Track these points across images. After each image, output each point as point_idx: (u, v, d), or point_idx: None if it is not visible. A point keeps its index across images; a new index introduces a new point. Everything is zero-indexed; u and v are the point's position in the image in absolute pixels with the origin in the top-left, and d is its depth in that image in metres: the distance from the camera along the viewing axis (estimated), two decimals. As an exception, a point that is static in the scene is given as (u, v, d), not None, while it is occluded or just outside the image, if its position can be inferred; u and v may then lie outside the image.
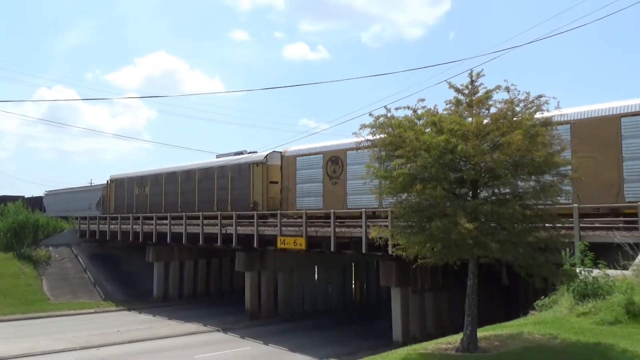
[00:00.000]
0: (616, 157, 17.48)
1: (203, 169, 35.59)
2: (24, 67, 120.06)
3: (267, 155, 31.07)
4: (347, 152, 26.40)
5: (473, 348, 9.44)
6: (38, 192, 61.96)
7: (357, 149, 24.60)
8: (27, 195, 60.42)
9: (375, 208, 23.42)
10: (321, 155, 28.03)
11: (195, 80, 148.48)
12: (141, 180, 41.44)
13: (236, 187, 32.36)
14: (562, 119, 17.34)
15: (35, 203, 52.50)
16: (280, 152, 30.45)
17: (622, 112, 17.68)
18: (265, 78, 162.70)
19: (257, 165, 31.22)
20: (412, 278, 23.22)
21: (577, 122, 18.37)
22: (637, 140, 17.19)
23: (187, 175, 36.74)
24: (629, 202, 16.76)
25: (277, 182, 30.23)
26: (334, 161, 27.25)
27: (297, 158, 29.27)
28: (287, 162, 29.61)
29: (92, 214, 44.45)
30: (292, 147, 30.48)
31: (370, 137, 10.54)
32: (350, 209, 25.09)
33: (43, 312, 32.69)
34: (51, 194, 58.62)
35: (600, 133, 17.72)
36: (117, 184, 44.34)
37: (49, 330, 27.82)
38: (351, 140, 25.02)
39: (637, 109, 17.45)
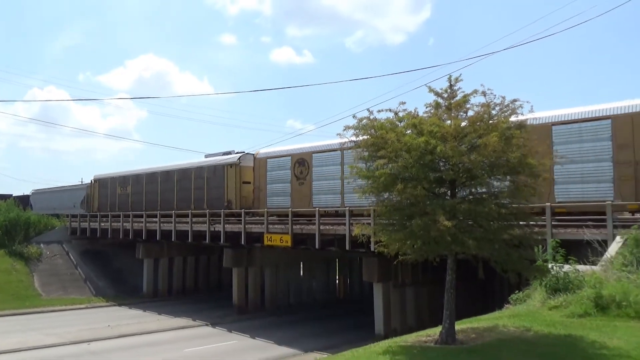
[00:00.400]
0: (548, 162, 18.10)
1: (181, 170, 36.11)
2: (16, 68, 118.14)
3: (240, 157, 31.81)
4: (313, 154, 27.48)
5: (451, 340, 9.51)
6: (29, 190, 61.14)
7: (322, 151, 27.15)
8: (17, 193, 59.88)
9: (338, 207, 25.04)
10: (289, 158, 28.78)
11: (184, 82, 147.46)
12: (123, 180, 41.86)
13: (212, 187, 32.99)
14: None
15: (23, 201, 51.82)
16: (253, 154, 31.13)
17: (553, 121, 18.82)
18: (252, 81, 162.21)
19: (230, 167, 31.99)
20: (393, 274, 23.35)
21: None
22: (566, 146, 18.18)
23: (167, 175, 37.26)
24: (558, 202, 17.99)
25: (249, 182, 30.94)
26: (301, 163, 28.05)
27: (267, 160, 30.02)
28: (259, 164, 30.39)
29: (77, 212, 44.30)
30: (263, 150, 31.23)
31: (353, 138, 10.55)
32: (315, 206, 25.59)
33: (34, 307, 32.22)
34: (38, 192, 58.05)
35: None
36: (101, 184, 44.67)
37: (40, 325, 27.42)
38: (316, 143, 28.81)
39: (565, 119, 18.66)
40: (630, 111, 17.22)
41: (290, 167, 28.46)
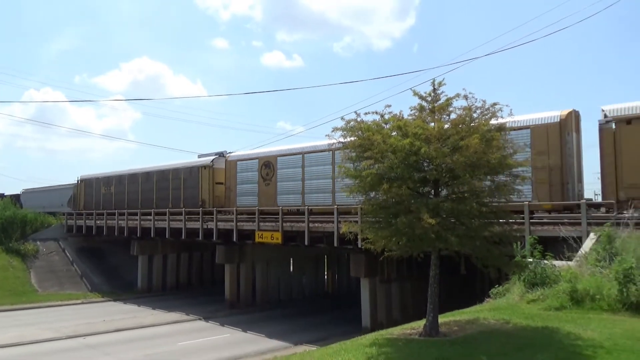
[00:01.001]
0: None
1: (160, 171, 37.10)
2: (13, 69, 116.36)
3: (213, 160, 33.00)
4: (278, 157, 28.78)
5: (435, 333, 9.58)
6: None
7: (286, 155, 28.48)
8: (13, 192, 59.31)
9: (299, 206, 26.24)
10: (257, 160, 29.98)
11: (178, 84, 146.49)
12: (107, 181, 42.64)
13: (187, 187, 34.09)
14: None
15: (13, 200, 51.39)
16: (225, 157, 32.36)
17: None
18: (244, 83, 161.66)
19: (204, 168, 33.11)
20: (379, 269, 23.42)
21: None
22: None
23: (147, 176, 38.17)
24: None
25: (222, 183, 32.14)
26: (267, 165, 29.25)
27: (237, 162, 31.16)
28: (230, 166, 31.51)
29: (65, 210, 44.46)
30: (234, 153, 32.41)
31: (342, 139, 10.56)
32: (280, 205, 26.70)
33: (31, 303, 31.83)
34: (28, 191, 57.96)
35: None
36: (86, 184, 45.31)
37: (36, 320, 27.11)
38: (281, 147, 29.98)
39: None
40: (545, 122, 18.58)
41: (258, 169, 29.61)
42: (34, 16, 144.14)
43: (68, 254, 39.60)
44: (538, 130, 18.51)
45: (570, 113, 18.64)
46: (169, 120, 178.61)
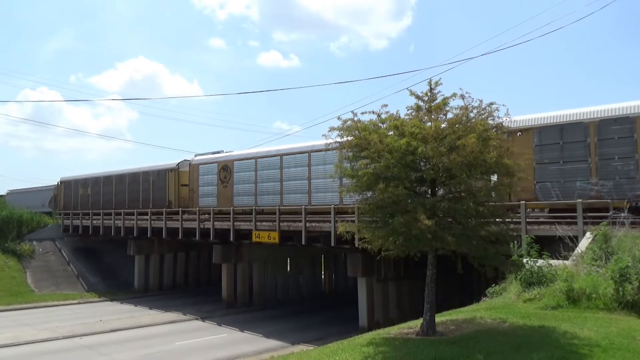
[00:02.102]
0: None
1: (131, 174, 39.11)
2: (8, 69, 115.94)
3: (179, 163, 35.13)
4: (234, 162, 30.96)
5: (432, 332, 9.58)
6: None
7: (241, 159, 30.41)
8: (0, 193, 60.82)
9: (252, 205, 28.09)
10: (216, 164, 32.06)
11: (175, 84, 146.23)
12: (84, 182, 44.52)
13: (156, 189, 36.17)
14: None
15: None
16: (189, 161, 34.55)
17: None
18: (241, 83, 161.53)
19: (171, 171, 35.24)
20: (376, 269, 23.44)
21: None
22: None
23: (120, 178, 40.23)
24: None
25: (187, 185, 34.19)
26: (225, 169, 31.35)
27: (199, 166, 33.31)
28: (193, 169, 33.75)
29: (46, 210, 45.82)
30: (197, 157, 34.51)
31: (338, 139, 10.54)
32: (236, 206, 29.07)
33: (27, 303, 31.74)
34: (13, 192, 59.05)
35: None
36: (66, 185, 47.08)
37: (33, 320, 27.01)
38: (237, 152, 31.92)
39: None
40: None
41: (217, 173, 31.76)
42: (29, 16, 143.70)
43: (64, 254, 39.48)
44: None
45: None
46: (165, 120, 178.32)
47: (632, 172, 16.50)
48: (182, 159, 35.38)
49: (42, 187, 54.33)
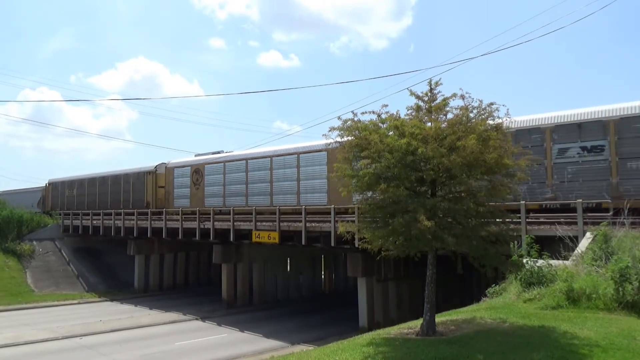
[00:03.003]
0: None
1: (113, 176, 41.65)
2: (8, 69, 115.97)
3: (156, 166, 37.21)
4: (205, 165, 33.03)
5: (432, 332, 9.58)
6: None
7: (212, 163, 32.68)
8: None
9: (221, 206, 30.40)
10: (189, 168, 34.40)
11: (175, 84, 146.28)
12: (71, 184, 46.93)
13: (135, 191, 38.36)
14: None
15: None
16: (165, 164, 36.84)
17: (327, 148, 23.77)
18: (241, 83, 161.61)
19: (149, 174, 37.36)
20: (376, 269, 23.43)
21: (331, 150, 24.26)
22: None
23: (103, 180, 42.68)
24: (356, 202, 23.71)
25: (163, 187, 36.52)
26: (197, 172, 33.61)
27: (174, 169, 35.68)
28: (168, 172, 36.10)
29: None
30: (173, 160, 37.03)
31: (339, 139, 10.54)
32: (206, 207, 31.13)
33: (27, 303, 31.73)
34: (3, 193, 60.02)
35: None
36: (53, 187, 49.50)
37: (33, 320, 27.02)
38: (208, 156, 33.73)
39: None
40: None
41: (190, 175, 34.09)
42: (29, 16, 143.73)
43: (64, 254, 39.46)
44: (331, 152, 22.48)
45: None
46: (165, 120, 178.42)
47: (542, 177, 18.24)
48: (160, 162, 37.39)
49: (31, 188, 56.56)
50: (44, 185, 51.37)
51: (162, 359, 19.90)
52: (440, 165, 9.15)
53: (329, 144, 10.92)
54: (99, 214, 38.29)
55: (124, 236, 36.07)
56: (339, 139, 10.45)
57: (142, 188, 37.58)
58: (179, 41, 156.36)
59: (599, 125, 17.40)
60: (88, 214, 39.51)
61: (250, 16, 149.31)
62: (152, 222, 33.04)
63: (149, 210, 34.09)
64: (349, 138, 10.19)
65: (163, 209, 33.23)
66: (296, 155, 27.70)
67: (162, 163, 37.15)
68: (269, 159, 29.16)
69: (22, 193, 56.07)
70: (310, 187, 26.99)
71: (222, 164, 31.81)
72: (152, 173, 37.10)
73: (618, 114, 17.14)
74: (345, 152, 10.26)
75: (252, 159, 30.34)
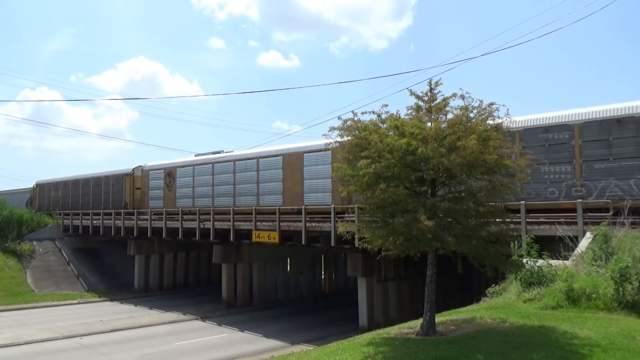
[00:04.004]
0: (301, 178, 26.78)
1: (95, 178, 43.77)
2: (7, 69, 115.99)
3: (134, 169, 39.30)
4: (177, 168, 35.34)
5: (432, 332, 9.58)
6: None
7: (182, 166, 35.16)
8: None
9: (190, 207, 32.37)
10: (162, 170, 36.58)
11: (175, 84, 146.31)
12: (56, 185, 49.16)
13: (114, 192, 40.49)
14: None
15: None
16: (142, 167, 38.93)
17: (304, 150, 26.96)
18: (241, 83, 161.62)
19: (127, 176, 39.43)
20: (376, 269, 23.43)
21: (285, 155, 28.13)
22: (313, 167, 26.27)
23: (85, 182, 44.86)
24: (307, 204, 25.25)
25: (139, 188, 38.61)
26: (170, 175, 35.79)
27: (149, 171, 37.78)
28: (144, 174, 38.24)
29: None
30: (149, 163, 38.99)
31: (339, 139, 10.54)
32: (177, 207, 33.17)
33: (27, 303, 31.71)
34: None
35: (295, 162, 27.27)
36: (41, 188, 51.74)
37: (33, 320, 27.02)
38: (179, 160, 37.41)
39: (311, 149, 26.52)
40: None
41: (163, 178, 36.24)
42: (29, 15, 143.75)
43: (64, 254, 39.46)
44: (337, 152, 24.23)
45: None
46: (165, 120, 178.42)
47: None
48: (137, 165, 39.62)
49: (20, 189, 59.47)
50: (32, 186, 53.66)
51: (162, 359, 19.90)
52: (440, 165, 9.14)
53: (329, 144, 10.92)
54: (99, 214, 38.32)
55: (124, 236, 36.07)
56: (339, 139, 10.45)
57: (120, 189, 39.79)
58: (179, 41, 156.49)
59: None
60: (88, 214, 39.55)
61: (250, 16, 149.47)
62: (152, 221, 33.05)
63: (149, 210, 34.16)
64: (349, 138, 10.19)
65: (138, 209, 35.75)
66: (256, 160, 29.98)
67: (139, 166, 39.28)
68: (233, 163, 31.24)
69: (12, 194, 58.04)
70: (268, 190, 28.94)
71: (192, 167, 34.05)
72: (130, 175, 39.21)
73: None
74: (346, 152, 10.26)
75: (217, 162, 32.42)
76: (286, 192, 27.60)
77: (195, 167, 33.75)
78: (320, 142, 24.72)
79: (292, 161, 27.50)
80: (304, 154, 26.82)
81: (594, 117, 17.52)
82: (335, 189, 23.94)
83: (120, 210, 36.35)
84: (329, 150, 24.16)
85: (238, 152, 32.34)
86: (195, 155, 37.02)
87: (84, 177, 45.56)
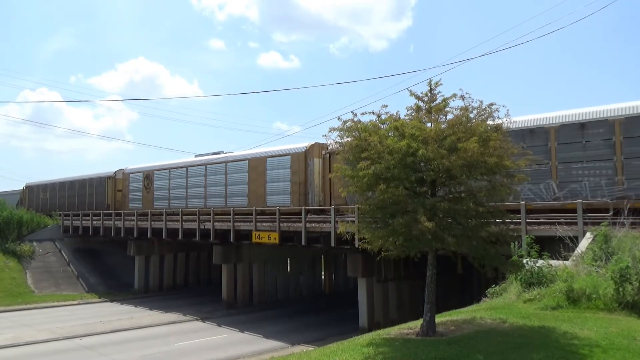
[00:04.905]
0: (264, 181, 28.66)
1: (80, 180, 45.90)
2: (7, 70, 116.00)
3: (115, 172, 41.43)
4: (155, 171, 37.40)
5: (432, 332, 9.59)
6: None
7: (160, 170, 36.99)
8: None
9: (166, 208, 34.00)
10: (141, 173, 38.69)
11: (175, 85, 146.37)
12: (44, 187, 51.34)
13: (98, 194, 42.91)
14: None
15: None
16: (123, 170, 40.96)
17: (267, 155, 28.90)
18: (240, 84, 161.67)
19: (109, 179, 41.86)
20: (376, 269, 23.41)
21: (251, 159, 30.01)
22: (274, 171, 28.18)
23: (71, 184, 46.98)
24: (270, 205, 27.40)
25: (120, 190, 40.76)
26: (148, 177, 37.93)
27: (130, 174, 40.04)
28: (125, 177, 40.52)
29: None
30: (130, 167, 41.15)
31: (338, 140, 10.54)
32: (155, 208, 35.29)
33: (27, 304, 31.69)
34: None
35: (258, 166, 29.13)
36: (30, 190, 53.97)
37: (33, 321, 27.01)
38: (157, 163, 38.56)
39: (273, 154, 28.59)
40: (297, 151, 27.01)
41: (142, 180, 38.37)
42: (29, 16, 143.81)
43: (64, 255, 39.44)
44: (294, 156, 26.97)
45: (313, 145, 26.65)
46: (165, 121, 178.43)
47: None
48: (119, 168, 41.45)
49: (11, 191, 61.98)
50: (22, 188, 55.87)
51: (162, 360, 19.89)
52: (441, 166, 9.14)
53: (250, 155, 10.97)
54: (98, 214, 38.33)
55: (124, 237, 36.06)
56: (338, 140, 10.45)
57: (103, 191, 42.06)
58: (179, 42, 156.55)
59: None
60: (88, 215, 39.56)
61: (249, 17, 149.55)
62: (152, 222, 33.04)
63: (149, 211, 34.14)
64: (349, 139, 10.19)
65: (119, 210, 37.69)
66: (225, 164, 31.72)
67: (120, 169, 41.29)
68: (204, 166, 33.12)
69: (2, 195, 58.85)
70: (235, 192, 30.74)
71: (168, 170, 36.10)
72: (112, 178, 41.45)
73: None
74: (345, 153, 10.26)
75: (190, 166, 34.51)
76: (251, 194, 29.44)
77: (171, 170, 35.85)
78: (283, 147, 28.85)
79: (257, 165, 29.33)
80: (267, 159, 28.79)
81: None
82: (294, 191, 26.79)
83: (120, 211, 36.78)
84: (288, 155, 27.34)
85: (214, 155, 33.97)
86: (195, 156, 37.03)
87: (70, 179, 47.64)
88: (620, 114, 16.93)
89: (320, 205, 25.54)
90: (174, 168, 35.81)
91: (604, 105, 17.61)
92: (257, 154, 30.04)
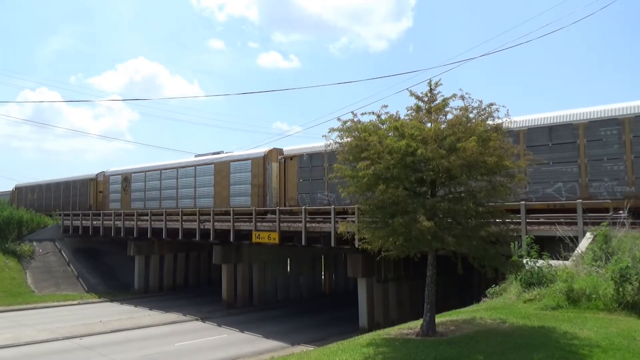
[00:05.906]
0: (228, 184, 30.63)
1: (65, 182, 48.34)
2: (7, 70, 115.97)
3: (97, 174, 43.82)
4: (132, 174, 39.50)
5: (432, 332, 9.58)
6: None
7: (136, 172, 38.97)
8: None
9: (143, 209, 35.83)
10: (120, 176, 40.83)
11: (175, 85, 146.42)
12: (32, 188, 53.85)
13: (81, 195, 45.26)
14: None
15: None
16: (104, 172, 43.03)
17: (231, 159, 31.08)
18: (241, 84, 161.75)
19: (92, 181, 44.23)
20: (376, 269, 23.42)
21: (216, 163, 31.93)
22: (237, 174, 30.20)
23: (57, 186, 49.41)
24: (232, 206, 29.17)
25: (102, 192, 42.94)
26: (126, 180, 40.00)
27: (110, 177, 42.15)
28: (106, 179, 42.56)
29: None
30: (110, 169, 43.17)
31: (338, 140, 10.53)
32: (132, 209, 37.02)
33: (27, 304, 31.68)
34: None
35: (223, 170, 31.10)
36: (19, 191, 56.35)
37: (33, 321, 27.01)
38: (134, 166, 40.54)
39: (236, 158, 30.78)
40: (257, 156, 29.18)
41: (120, 182, 40.43)
42: (29, 16, 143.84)
43: (64, 255, 39.44)
44: (254, 161, 29.18)
45: (271, 150, 28.89)
46: (166, 121, 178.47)
47: None
48: (100, 171, 43.64)
49: (2, 191, 63.76)
50: (12, 189, 58.33)
51: (162, 360, 19.89)
52: (440, 166, 9.14)
53: (328, 145, 10.92)
54: (98, 214, 38.34)
55: (123, 237, 36.05)
56: (338, 140, 10.44)
57: (86, 192, 44.37)
58: (179, 42, 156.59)
59: None
60: (88, 215, 39.58)
61: (249, 17, 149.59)
62: (152, 222, 33.04)
63: (149, 211, 34.15)
64: (349, 139, 10.19)
65: (99, 210, 40.12)
66: (194, 167, 33.67)
67: (102, 172, 43.33)
68: (176, 170, 35.11)
69: None
70: (203, 194, 32.57)
71: (144, 173, 37.95)
72: (94, 180, 43.72)
73: None
74: (345, 153, 10.25)
75: (164, 169, 36.37)
76: (217, 196, 31.32)
77: (147, 173, 37.81)
78: (246, 151, 31.19)
79: (221, 169, 31.22)
80: (231, 163, 30.68)
81: None
82: (254, 193, 28.73)
83: (120, 211, 37.10)
84: (249, 160, 29.55)
85: (185, 159, 36.28)
86: (195, 156, 36.99)
87: (56, 181, 50.10)
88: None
89: (277, 206, 26.79)
90: (149, 171, 37.77)
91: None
92: (222, 157, 31.98)
